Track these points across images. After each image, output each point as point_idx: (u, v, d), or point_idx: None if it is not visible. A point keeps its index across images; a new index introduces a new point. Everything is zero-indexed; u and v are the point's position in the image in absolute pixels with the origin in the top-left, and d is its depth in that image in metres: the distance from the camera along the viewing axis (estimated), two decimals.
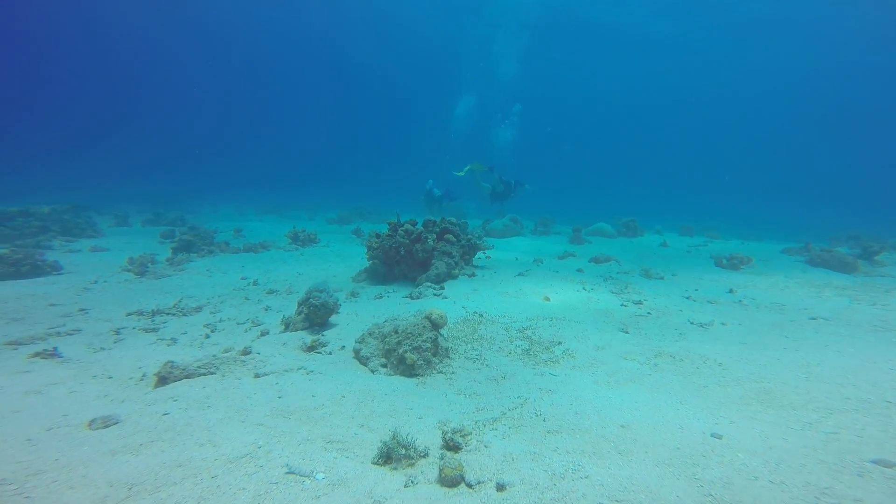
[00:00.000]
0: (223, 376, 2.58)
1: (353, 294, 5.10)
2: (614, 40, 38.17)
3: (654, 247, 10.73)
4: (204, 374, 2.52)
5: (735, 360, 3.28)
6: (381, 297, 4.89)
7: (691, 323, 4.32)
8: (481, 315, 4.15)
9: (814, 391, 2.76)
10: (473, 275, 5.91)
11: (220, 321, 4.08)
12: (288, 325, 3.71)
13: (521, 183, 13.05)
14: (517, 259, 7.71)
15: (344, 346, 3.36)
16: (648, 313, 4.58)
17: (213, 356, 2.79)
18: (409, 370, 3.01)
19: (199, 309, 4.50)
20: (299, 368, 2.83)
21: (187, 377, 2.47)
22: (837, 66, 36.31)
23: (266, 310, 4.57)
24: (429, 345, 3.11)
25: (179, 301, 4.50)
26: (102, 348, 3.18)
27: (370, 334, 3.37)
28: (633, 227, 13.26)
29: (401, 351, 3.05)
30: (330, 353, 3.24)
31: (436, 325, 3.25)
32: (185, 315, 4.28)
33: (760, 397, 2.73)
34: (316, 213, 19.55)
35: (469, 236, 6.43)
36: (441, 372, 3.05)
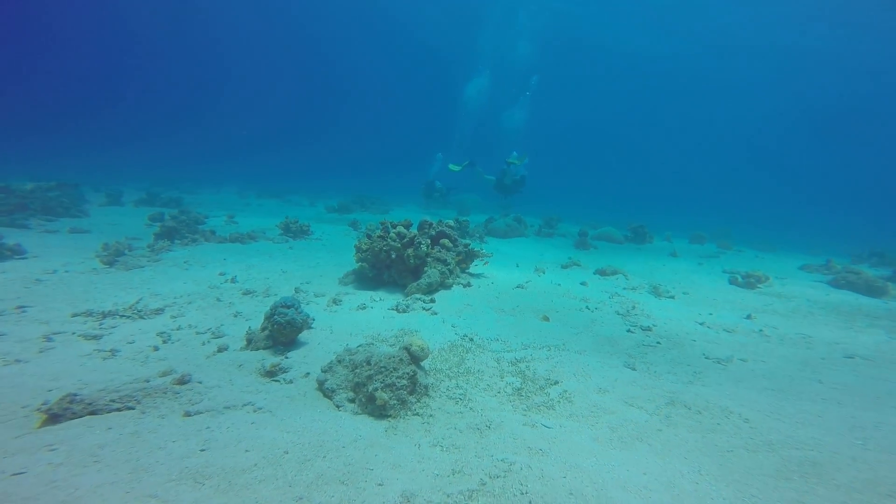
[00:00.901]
0: (142, 413, 2.13)
1: (335, 301, 4.64)
2: (631, 35, 37.02)
3: (664, 257, 10.19)
4: (117, 410, 2.07)
5: (764, 415, 2.81)
6: (365, 308, 4.43)
7: (706, 358, 3.83)
8: (471, 339, 3.68)
9: (879, 466, 2.28)
10: (469, 285, 5.43)
11: (179, 329, 3.64)
12: (250, 342, 3.26)
13: (524, 177, 12.48)
14: (517, 267, 7.21)
15: (308, 374, 2.91)
16: (658, 343, 4.10)
17: (141, 384, 2.34)
18: (379, 410, 2.56)
19: (160, 311, 4.07)
20: (245, 405, 2.38)
21: (92, 413, 2.02)
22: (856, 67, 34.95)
23: (235, 316, 4.13)
24: (405, 382, 2.65)
25: (138, 301, 4.06)
26: (18, 360, 2.73)
27: (339, 362, 2.91)
28: (642, 234, 12.69)
29: (371, 388, 2.59)
30: (290, 382, 2.79)
31: (416, 359, 2.79)
32: (142, 318, 3.84)
33: (804, 470, 2.25)
34: (318, 199, 19.08)
35: (467, 242, 5.94)
36: (417, 414, 2.60)
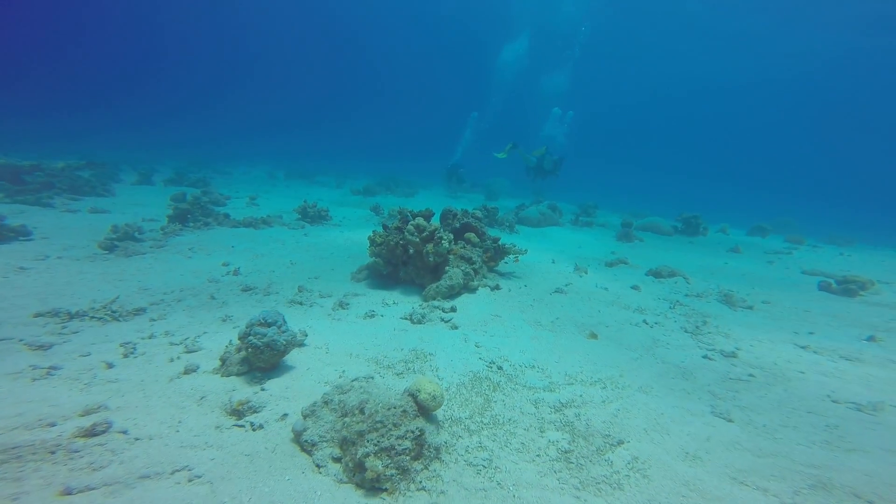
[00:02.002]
0: None
1: (341, 304, 3.96)
2: (686, 19, 33.48)
3: (723, 253, 8.89)
4: None
5: None
6: (374, 317, 3.72)
7: (835, 402, 2.83)
8: (500, 368, 2.88)
9: None
10: (497, 287, 4.60)
11: (151, 337, 3.06)
12: (225, 362, 2.63)
13: (563, 159, 11.39)
14: (554, 264, 6.28)
15: (286, 415, 2.23)
16: (751, 376, 3.13)
17: (26, 434, 1.72)
18: (370, 483, 1.84)
19: (140, 311, 3.53)
20: (177, 471, 1.72)
21: None
22: None
23: (223, 321, 3.53)
24: (408, 444, 1.90)
25: (114, 300, 3.53)
26: None
27: (326, 403, 2.20)
28: (695, 225, 11.28)
29: (361, 453, 1.86)
30: (259, 428, 2.11)
31: (424, 410, 2.03)
32: (116, 320, 3.31)
33: None
34: (346, 181, 18.63)
35: (496, 237, 5.08)
36: (423, 489, 1.86)
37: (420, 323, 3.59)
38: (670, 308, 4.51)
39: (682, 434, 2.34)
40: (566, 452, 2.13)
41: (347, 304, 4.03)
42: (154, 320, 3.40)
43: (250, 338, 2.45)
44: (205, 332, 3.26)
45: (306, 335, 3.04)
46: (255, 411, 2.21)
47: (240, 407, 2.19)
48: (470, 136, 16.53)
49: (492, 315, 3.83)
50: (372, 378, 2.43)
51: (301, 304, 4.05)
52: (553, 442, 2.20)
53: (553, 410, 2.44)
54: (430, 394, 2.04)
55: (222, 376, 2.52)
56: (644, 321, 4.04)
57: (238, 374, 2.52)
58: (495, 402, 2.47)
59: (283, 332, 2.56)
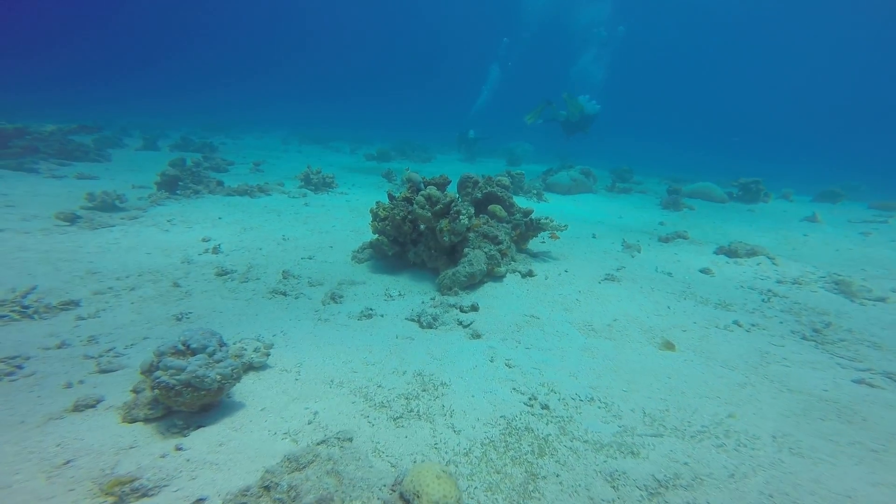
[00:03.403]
0: None
1: (333, 298, 3.07)
2: None
3: (797, 223, 7.48)
4: None
5: None
6: (371, 317, 2.80)
7: None
8: (545, 408, 1.93)
9: None
10: (531, 273, 3.59)
11: (62, 346, 2.25)
12: (137, 397, 1.78)
13: (596, 115, 9.98)
14: (595, 239, 5.18)
15: (203, 501, 1.37)
16: None
17: None
18: None
19: (68, 306, 2.73)
20: None
21: None
22: None
23: (178, 320, 2.70)
24: None
25: (29, 291, 2.73)
26: None
27: (267, 490, 1.33)
28: (755, 191, 9.75)
29: None
30: None
31: None
32: (26, 318, 2.53)
33: None
34: (360, 146, 17.52)
35: (528, 209, 4.02)
36: None
37: (431, 327, 2.66)
38: (765, 302, 3.41)
39: None
40: None
41: (341, 296, 3.13)
42: (83, 319, 2.60)
43: (159, 373, 1.57)
44: (145, 339, 2.44)
45: (269, 352, 2.15)
46: (144, 496, 1.36)
47: (116, 489, 1.34)
48: (459, 139, 15.49)
49: (526, 316, 2.85)
50: (350, 440, 1.53)
51: (284, 294, 3.19)
52: None
53: (646, 497, 1.49)
54: (436, 501, 1.12)
55: (123, 422, 1.67)
56: (735, 322, 2.98)
57: (147, 421, 1.67)
58: (544, 477, 1.54)
59: (218, 361, 1.66)
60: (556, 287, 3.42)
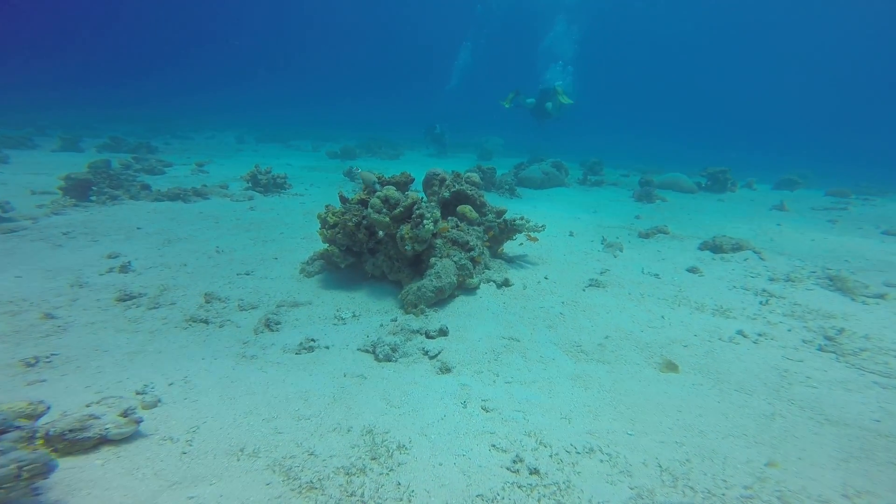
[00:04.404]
0: None
1: (268, 324, 2.49)
2: None
3: (767, 212, 7.47)
4: None
5: None
6: (313, 350, 2.25)
7: None
8: (534, 472, 1.47)
9: None
10: (507, 283, 3.13)
11: None
12: None
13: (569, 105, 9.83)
14: (572, 237, 4.81)
15: None
16: None
17: None
18: None
19: None
20: None
21: None
22: None
23: (30, 366, 2.04)
24: None
25: None
26: None
27: None
28: (723, 181, 9.80)
29: None
30: None
31: None
32: None
33: None
34: (324, 144, 16.58)
35: (502, 209, 3.56)
36: None
37: (389, 360, 2.14)
38: (763, 304, 3.10)
39: None
40: None
41: (278, 322, 2.55)
42: None
43: None
44: None
45: (150, 411, 1.57)
46: None
47: None
48: (426, 133, 15.14)
49: (504, 339, 2.38)
50: None
51: (206, 322, 2.58)
52: None
53: None
54: None
55: None
56: (740, 332, 2.63)
57: None
58: None
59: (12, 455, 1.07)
60: (536, 298, 2.98)
